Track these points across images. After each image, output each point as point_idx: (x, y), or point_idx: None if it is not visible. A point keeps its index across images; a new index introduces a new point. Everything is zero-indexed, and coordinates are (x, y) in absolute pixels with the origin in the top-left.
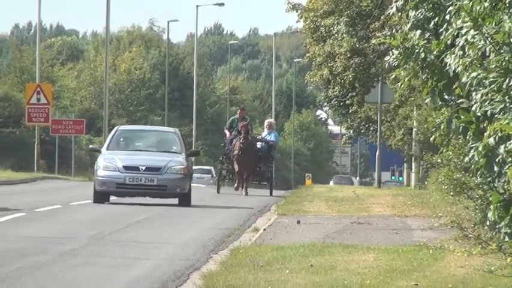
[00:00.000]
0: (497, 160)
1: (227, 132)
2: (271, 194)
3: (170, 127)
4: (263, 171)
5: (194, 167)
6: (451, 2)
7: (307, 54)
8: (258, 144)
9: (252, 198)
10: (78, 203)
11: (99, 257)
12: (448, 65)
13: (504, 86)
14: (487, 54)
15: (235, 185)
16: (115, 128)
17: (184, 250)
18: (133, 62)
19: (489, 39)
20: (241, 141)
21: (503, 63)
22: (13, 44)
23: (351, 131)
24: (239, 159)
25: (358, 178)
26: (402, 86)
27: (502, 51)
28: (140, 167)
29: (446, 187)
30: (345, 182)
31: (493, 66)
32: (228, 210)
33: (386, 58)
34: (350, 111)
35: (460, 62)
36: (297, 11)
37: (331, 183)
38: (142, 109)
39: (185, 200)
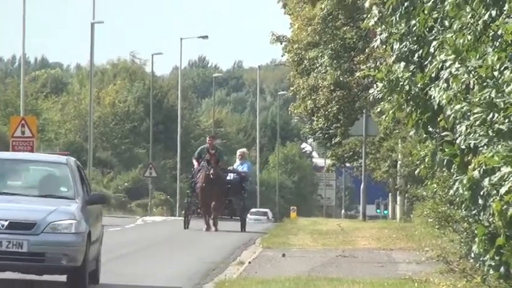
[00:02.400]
0: (481, 193)
1: (195, 163)
2: (242, 230)
3: (62, 156)
4: (233, 205)
5: (252, 209)
6: (434, 36)
7: (291, 88)
8: (229, 176)
9: (236, 232)
10: None
11: None
12: (432, 97)
13: (488, 119)
14: (471, 86)
15: (205, 226)
16: None
17: (168, 284)
18: (118, 95)
19: (473, 72)
20: (211, 171)
21: (487, 97)
22: None
23: (335, 159)
24: (204, 191)
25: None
26: (387, 118)
27: (485, 84)
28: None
29: (431, 220)
30: (261, 215)
31: (477, 99)
32: (212, 243)
33: (370, 91)
34: (333, 141)
35: (444, 95)
36: (281, 43)
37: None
38: (126, 142)
39: (77, 279)
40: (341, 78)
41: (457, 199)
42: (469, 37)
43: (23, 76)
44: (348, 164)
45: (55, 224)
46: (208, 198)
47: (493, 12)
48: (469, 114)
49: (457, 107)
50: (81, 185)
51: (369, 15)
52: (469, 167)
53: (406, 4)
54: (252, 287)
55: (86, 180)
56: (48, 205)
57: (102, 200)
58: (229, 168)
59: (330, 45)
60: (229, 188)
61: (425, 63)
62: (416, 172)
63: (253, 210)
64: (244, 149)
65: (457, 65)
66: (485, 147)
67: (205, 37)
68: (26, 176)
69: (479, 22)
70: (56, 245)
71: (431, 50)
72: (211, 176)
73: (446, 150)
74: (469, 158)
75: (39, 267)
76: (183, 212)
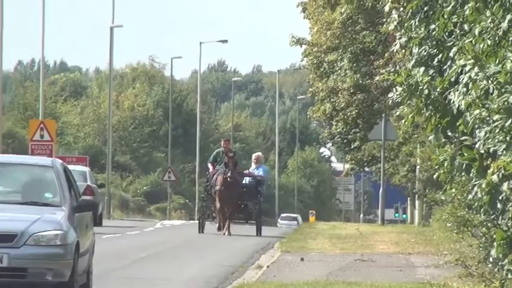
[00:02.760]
0: (500, 198)
1: (210, 167)
2: (258, 234)
3: (49, 158)
4: (249, 209)
5: (282, 214)
6: (454, 41)
7: (310, 89)
8: (245, 180)
9: (252, 236)
10: None
11: None
12: (451, 102)
13: (507, 125)
14: (490, 92)
15: (217, 225)
16: None
17: (187, 287)
18: (137, 99)
19: (492, 78)
20: (228, 175)
21: (506, 103)
22: (16, 80)
23: (354, 163)
24: (221, 195)
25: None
26: (406, 123)
27: (504, 90)
28: None
29: (450, 224)
30: (291, 220)
31: (496, 105)
32: (230, 246)
33: (390, 95)
34: (352, 146)
35: (464, 100)
36: (301, 46)
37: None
38: (145, 146)
39: None
40: (360, 81)
41: (476, 203)
42: (489, 42)
43: (42, 79)
44: (366, 169)
45: (38, 235)
46: (225, 202)
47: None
48: (488, 119)
49: (476, 112)
50: (69, 190)
51: (388, 20)
52: (488, 171)
53: (425, 8)
54: None
55: (75, 185)
56: (31, 213)
57: (91, 208)
58: (245, 172)
59: (349, 49)
60: (244, 191)
61: (445, 67)
62: (435, 176)
63: (283, 215)
64: (259, 153)
65: (476, 70)
66: (504, 152)
67: (225, 41)
68: (6, 181)
69: (499, 27)
70: (39, 259)
71: (451, 54)
72: (229, 179)
73: (465, 154)
74: (488, 162)
75: (22, 284)
76: (198, 216)
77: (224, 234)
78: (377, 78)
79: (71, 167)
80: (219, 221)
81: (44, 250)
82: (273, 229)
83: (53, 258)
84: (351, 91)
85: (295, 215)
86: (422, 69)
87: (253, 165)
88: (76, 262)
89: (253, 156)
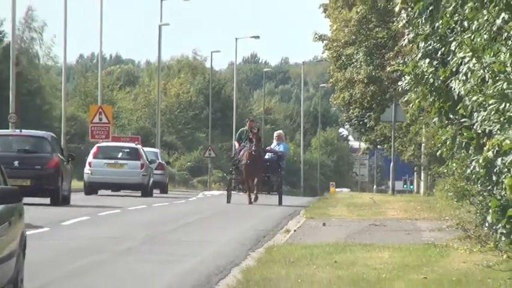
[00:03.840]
0: (495, 171)
1: (236, 144)
2: (279, 204)
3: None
4: (272, 181)
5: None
6: (455, 36)
7: (331, 80)
8: (267, 155)
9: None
10: (134, 208)
11: (153, 254)
12: (452, 89)
13: (500, 108)
14: (486, 80)
15: (248, 200)
16: None
17: (225, 248)
18: (182, 87)
19: (487, 68)
20: (253, 148)
21: (500, 89)
22: (78, 71)
23: (369, 143)
24: (247, 169)
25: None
26: (413, 107)
27: (498, 78)
28: None
29: (451, 194)
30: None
31: (491, 91)
32: (261, 214)
33: (399, 83)
34: (367, 127)
35: (463, 87)
36: (322, 41)
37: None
38: (189, 127)
39: None
40: (373, 73)
41: (474, 176)
42: (485, 37)
43: (100, 70)
44: (379, 146)
45: None
46: (251, 175)
47: (506, 16)
48: (484, 103)
49: (474, 97)
50: None
51: (398, 18)
52: (484, 148)
53: (430, 8)
54: (297, 251)
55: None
56: None
57: (12, 198)
58: (267, 148)
59: (364, 44)
60: (268, 165)
61: (447, 59)
62: (438, 153)
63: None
64: (280, 131)
65: (474, 61)
66: (498, 131)
67: (257, 37)
68: None
69: (494, 24)
70: None
71: (452, 48)
72: (254, 152)
73: (464, 134)
74: (484, 141)
75: None
76: (226, 188)
77: (251, 203)
78: (388, 69)
79: (146, 148)
80: (249, 196)
81: None
82: (298, 198)
83: None
84: (365, 80)
85: (347, 189)
86: (427, 61)
87: (274, 142)
88: None
89: (275, 134)
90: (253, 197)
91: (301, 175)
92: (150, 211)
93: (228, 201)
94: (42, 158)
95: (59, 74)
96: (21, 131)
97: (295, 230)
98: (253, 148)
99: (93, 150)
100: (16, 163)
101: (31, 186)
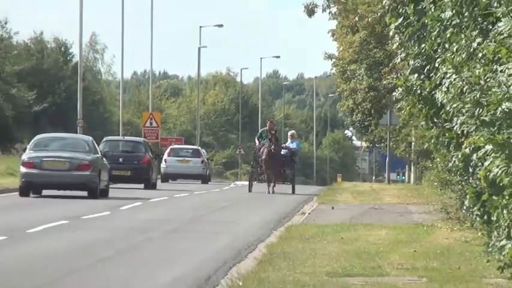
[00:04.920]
0: (471, 164)
1: (257, 141)
2: (293, 192)
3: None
4: (286, 174)
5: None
6: (438, 55)
7: (338, 90)
8: (283, 151)
9: (298, 194)
10: (179, 195)
11: (195, 234)
12: (436, 98)
13: (475, 114)
14: (464, 91)
15: (267, 190)
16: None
17: (253, 228)
18: (217, 97)
19: (465, 80)
20: (272, 147)
21: (475, 98)
22: (133, 85)
23: (369, 142)
24: (266, 163)
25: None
26: (404, 113)
27: (474, 88)
28: None
29: (436, 183)
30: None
31: (468, 99)
32: (281, 200)
33: (393, 93)
34: (369, 130)
35: (445, 97)
36: (331, 59)
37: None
38: (223, 130)
39: None
40: (373, 83)
41: (454, 169)
42: (463, 56)
43: (150, 84)
44: (377, 145)
45: None
46: (270, 168)
47: (480, 40)
48: (462, 109)
49: (454, 105)
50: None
51: (392, 41)
52: (463, 146)
53: (418, 33)
54: (311, 229)
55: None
56: None
57: None
58: (282, 145)
59: (365, 62)
60: (283, 160)
61: (432, 74)
62: (426, 150)
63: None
64: (293, 131)
65: (454, 75)
66: (474, 132)
67: (278, 57)
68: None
69: (471, 46)
70: None
71: (436, 65)
72: (272, 150)
73: (446, 134)
74: (462, 140)
75: None
76: (248, 179)
77: (270, 192)
78: (384, 81)
79: (190, 146)
80: (268, 186)
81: None
82: (311, 187)
83: None
84: (366, 90)
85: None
86: (416, 75)
87: (288, 140)
88: None
89: (289, 133)
90: (271, 187)
91: (314, 168)
92: (192, 198)
93: (250, 190)
94: (138, 156)
95: (117, 87)
96: (123, 138)
97: (309, 213)
98: (272, 146)
99: (167, 150)
100: (121, 159)
101: (131, 176)
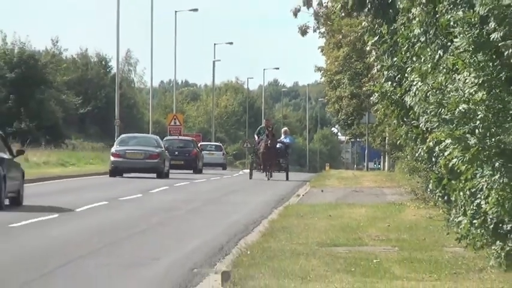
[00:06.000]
0: (434, 155)
1: (256, 137)
2: (287, 179)
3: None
4: (281, 164)
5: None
6: (408, 66)
7: (326, 97)
8: (278, 145)
9: (293, 180)
10: (199, 181)
11: (211, 212)
12: (406, 101)
13: (437, 113)
14: (428, 95)
15: (266, 178)
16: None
17: (257, 207)
18: (228, 101)
19: (429, 86)
20: (269, 142)
21: (437, 100)
22: (160, 91)
23: (351, 137)
24: (264, 155)
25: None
26: (380, 113)
27: (437, 93)
28: None
29: (406, 170)
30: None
31: (432, 101)
32: (280, 185)
33: (371, 98)
34: (351, 128)
35: (413, 100)
36: (320, 71)
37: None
38: (233, 127)
39: None
40: (354, 91)
41: (420, 158)
42: (428, 66)
43: (174, 90)
44: (358, 139)
45: None
46: (267, 160)
47: (441, 53)
48: (427, 110)
49: (420, 106)
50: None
51: (370, 55)
52: (427, 140)
53: (391, 49)
54: (305, 208)
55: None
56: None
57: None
58: (278, 140)
59: (348, 72)
60: (278, 152)
61: (402, 82)
62: (397, 143)
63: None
64: (286, 128)
65: (420, 83)
66: (436, 128)
67: (277, 68)
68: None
69: (435, 58)
70: None
71: (406, 74)
72: (269, 145)
73: (414, 131)
74: (426, 135)
75: None
76: (249, 168)
77: (267, 179)
78: (364, 89)
79: (213, 143)
80: (266, 175)
81: None
82: (305, 174)
83: None
84: (349, 97)
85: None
86: (389, 83)
87: (282, 136)
88: None
89: (282, 130)
90: (268, 174)
91: (307, 159)
92: (208, 183)
93: (250, 177)
94: (189, 150)
95: (147, 93)
96: (178, 136)
97: (303, 195)
98: (268, 141)
99: (198, 145)
100: (176, 152)
101: (183, 165)
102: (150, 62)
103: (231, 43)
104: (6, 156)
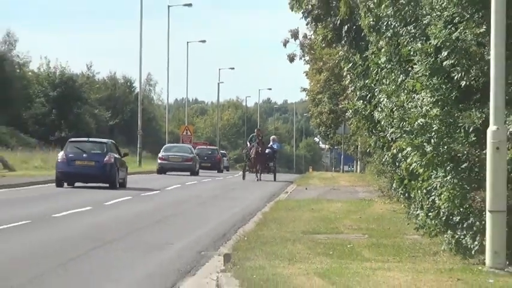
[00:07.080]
0: (397, 160)
1: (248, 144)
2: (274, 180)
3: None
4: (270, 166)
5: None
6: (377, 87)
7: (309, 112)
8: (267, 150)
9: (278, 181)
10: (206, 180)
11: (215, 206)
12: (375, 116)
13: (400, 126)
14: (393, 111)
15: (256, 179)
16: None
17: (254, 202)
18: (230, 116)
19: (394, 104)
20: (259, 149)
21: (400, 115)
22: (174, 107)
23: (330, 145)
24: (255, 160)
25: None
26: (353, 126)
27: (400, 109)
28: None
29: (374, 172)
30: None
31: (396, 116)
32: (271, 185)
33: (346, 114)
34: (330, 137)
35: (381, 115)
36: (305, 90)
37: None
38: (234, 136)
39: None
40: (333, 108)
41: (386, 163)
42: (393, 87)
43: (186, 107)
44: (336, 147)
45: None
46: (257, 163)
47: (403, 77)
48: (392, 123)
49: (387, 120)
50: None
51: (345, 78)
52: (392, 148)
53: (363, 73)
54: (292, 203)
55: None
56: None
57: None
58: (267, 146)
59: (327, 92)
60: (267, 157)
61: (372, 100)
62: (367, 150)
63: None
64: (274, 136)
65: (386, 101)
66: (399, 138)
67: (270, 89)
68: None
69: (398, 80)
70: None
71: (375, 94)
72: (259, 151)
73: (381, 140)
74: (391, 144)
75: None
76: (242, 170)
77: (258, 180)
78: (340, 106)
79: (223, 151)
80: (256, 176)
81: None
82: (290, 175)
83: None
84: (328, 112)
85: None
86: (361, 101)
87: (271, 142)
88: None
89: (271, 138)
90: (259, 176)
91: (294, 162)
92: (214, 182)
93: (243, 178)
94: (214, 156)
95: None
96: (207, 146)
97: (290, 192)
98: (259, 148)
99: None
100: (205, 157)
101: (210, 166)
102: (166, 83)
103: (233, 68)
104: (118, 156)
